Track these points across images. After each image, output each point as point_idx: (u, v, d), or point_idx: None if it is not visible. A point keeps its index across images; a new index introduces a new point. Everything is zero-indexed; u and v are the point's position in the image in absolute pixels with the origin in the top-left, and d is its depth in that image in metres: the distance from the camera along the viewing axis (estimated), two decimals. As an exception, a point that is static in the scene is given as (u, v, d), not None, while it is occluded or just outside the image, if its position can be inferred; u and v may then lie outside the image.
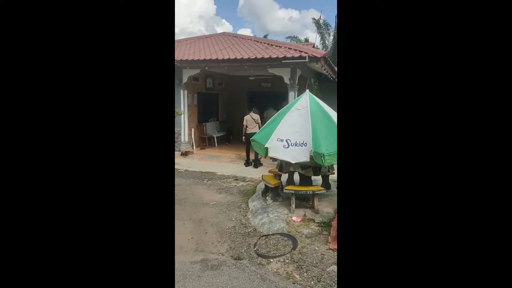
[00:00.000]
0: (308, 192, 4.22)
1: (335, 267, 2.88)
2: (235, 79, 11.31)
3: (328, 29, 18.28)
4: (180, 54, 8.51)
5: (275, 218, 4.00)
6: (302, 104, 4.35)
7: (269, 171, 5.23)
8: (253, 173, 6.67)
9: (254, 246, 3.40)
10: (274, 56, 7.09)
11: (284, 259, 3.10)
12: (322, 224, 3.79)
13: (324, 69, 8.07)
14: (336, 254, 3.06)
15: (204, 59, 7.87)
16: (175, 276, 2.80)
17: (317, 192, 4.18)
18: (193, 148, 9.16)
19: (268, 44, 8.51)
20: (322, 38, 18.09)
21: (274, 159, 4.57)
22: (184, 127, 8.93)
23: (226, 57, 7.62)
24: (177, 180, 5.91)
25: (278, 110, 9.07)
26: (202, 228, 3.92)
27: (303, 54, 6.76)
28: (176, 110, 7.93)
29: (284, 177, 5.08)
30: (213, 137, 10.11)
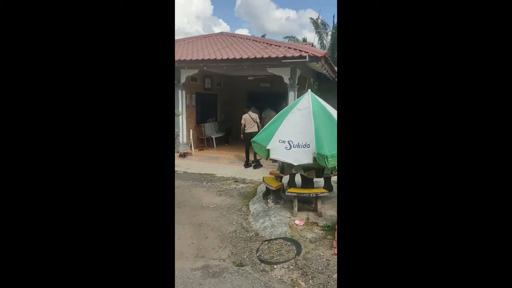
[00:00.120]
0: (311, 195, 4.12)
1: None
2: (234, 79, 11.20)
3: (326, 29, 18.24)
4: (178, 54, 8.38)
5: (277, 222, 3.89)
6: (304, 105, 4.24)
7: (270, 173, 5.13)
8: (253, 175, 6.56)
9: (257, 251, 3.30)
10: (273, 55, 6.98)
11: (288, 265, 3.00)
12: (326, 228, 3.69)
13: (324, 69, 7.98)
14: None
15: (203, 59, 7.75)
16: (176, 284, 2.69)
17: (320, 195, 4.08)
18: (191, 149, 9.04)
19: (267, 43, 8.40)
20: (320, 38, 18.04)
21: (274, 160, 4.46)
22: (182, 128, 8.81)
23: (225, 57, 7.50)
24: (176, 182, 5.79)
25: (276, 110, 9.04)
26: (202, 233, 3.81)
27: (303, 54, 6.66)
28: (174, 111, 7.82)
29: (285, 178, 4.98)
30: (212, 138, 10.00)
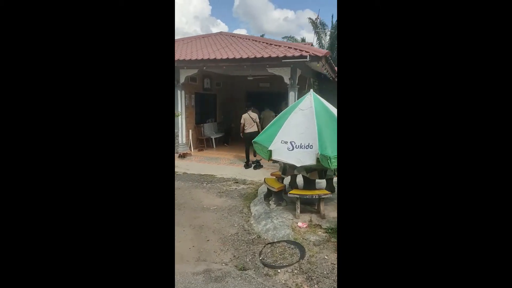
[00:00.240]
0: (314, 197, 4.05)
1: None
2: (233, 79, 11.13)
3: (324, 29, 18.20)
4: (177, 54, 8.29)
5: (280, 224, 3.82)
6: (307, 105, 4.18)
7: (271, 174, 5.06)
8: (254, 176, 6.49)
9: (260, 254, 3.22)
10: (274, 55, 6.91)
11: (292, 269, 2.92)
12: (329, 230, 3.61)
13: (325, 69, 7.92)
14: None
15: (202, 58, 7.67)
16: (177, 289, 2.62)
17: (323, 197, 4.01)
18: (190, 150, 8.96)
19: (267, 43, 8.34)
20: (319, 38, 18.00)
21: (275, 161, 4.38)
22: (182, 129, 8.72)
23: (224, 57, 7.43)
24: (175, 184, 5.71)
25: (275, 111, 8.98)
26: (203, 235, 3.73)
27: (304, 53, 6.60)
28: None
29: (287, 180, 4.90)
30: (211, 138, 9.92)
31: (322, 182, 4.80)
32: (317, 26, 18.22)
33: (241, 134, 7.47)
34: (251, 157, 7.40)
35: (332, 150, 3.61)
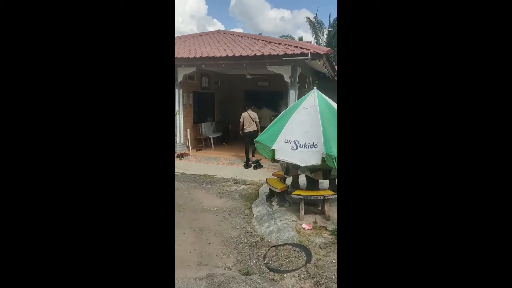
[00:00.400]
0: (318, 197, 3.93)
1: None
2: (232, 78, 10.99)
3: (322, 28, 18.15)
4: (175, 52, 8.13)
5: (284, 226, 3.69)
6: (310, 103, 4.05)
7: (273, 174, 4.94)
8: (254, 176, 6.36)
9: (264, 258, 3.10)
10: (274, 53, 6.78)
11: (299, 274, 2.80)
12: (335, 233, 3.49)
13: (325, 67, 7.80)
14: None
15: (201, 56, 7.52)
16: (179, 296, 2.49)
17: (328, 197, 3.89)
18: (189, 150, 8.81)
19: (266, 41, 8.19)
20: (316, 37, 17.94)
21: (275, 161, 4.25)
22: (180, 128, 8.57)
23: (223, 55, 7.28)
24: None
25: (274, 110, 8.82)
26: (204, 238, 3.60)
27: (305, 51, 6.47)
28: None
29: (289, 180, 4.78)
30: (210, 138, 9.77)
31: (325, 182, 4.68)
32: (314, 25, 18.16)
33: (240, 132, 7.39)
34: (251, 157, 7.27)
35: (337, 150, 3.50)
